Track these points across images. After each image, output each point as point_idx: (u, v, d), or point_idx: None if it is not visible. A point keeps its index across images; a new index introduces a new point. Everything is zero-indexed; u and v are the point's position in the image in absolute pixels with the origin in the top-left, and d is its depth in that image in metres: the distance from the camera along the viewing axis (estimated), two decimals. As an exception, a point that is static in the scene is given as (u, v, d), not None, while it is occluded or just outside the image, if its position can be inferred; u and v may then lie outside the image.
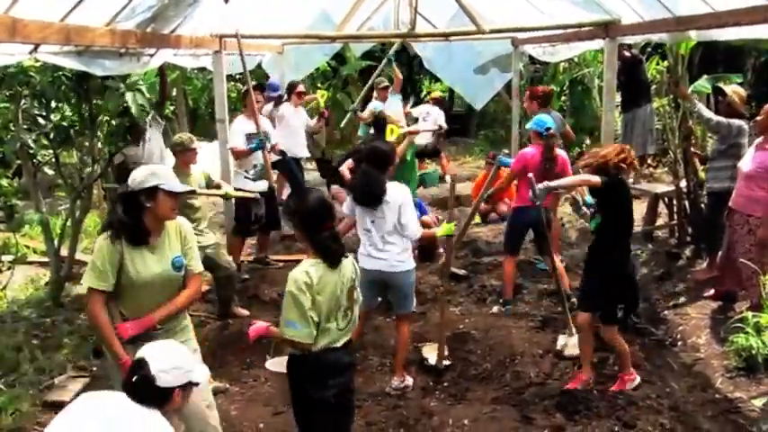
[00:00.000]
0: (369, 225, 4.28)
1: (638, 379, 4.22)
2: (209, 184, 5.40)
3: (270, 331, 3.07)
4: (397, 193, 4.22)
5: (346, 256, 3.06)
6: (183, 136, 5.29)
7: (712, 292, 5.34)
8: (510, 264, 5.69)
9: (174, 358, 2.41)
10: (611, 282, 4.05)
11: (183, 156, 5.16)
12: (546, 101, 6.55)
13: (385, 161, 4.29)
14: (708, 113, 5.52)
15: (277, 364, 3.67)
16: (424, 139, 9.03)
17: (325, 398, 3.04)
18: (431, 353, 4.73)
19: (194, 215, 5.02)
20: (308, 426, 3.16)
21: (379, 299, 4.64)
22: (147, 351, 2.40)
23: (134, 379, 2.34)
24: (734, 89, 5.58)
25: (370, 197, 4.21)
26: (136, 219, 2.99)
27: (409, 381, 4.47)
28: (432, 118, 9.25)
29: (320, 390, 3.05)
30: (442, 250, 6.39)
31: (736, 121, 5.33)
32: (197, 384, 2.48)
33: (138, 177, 2.98)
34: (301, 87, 8.16)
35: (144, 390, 2.32)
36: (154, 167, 3.13)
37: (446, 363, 4.65)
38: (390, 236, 4.24)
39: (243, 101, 6.77)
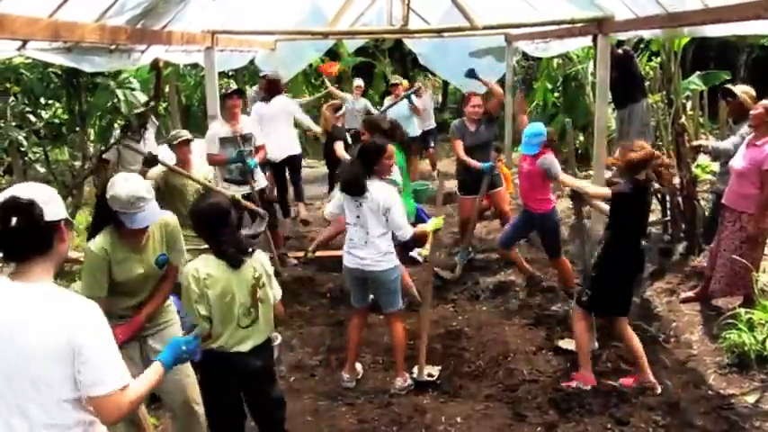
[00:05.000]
0: (354, 219, 4.24)
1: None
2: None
3: None
4: (381, 193, 4.12)
5: (246, 258, 3.08)
6: (175, 131, 5.17)
7: (691, 293, 5.34)
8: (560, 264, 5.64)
9: (47, 189, 2.02)
10: (622, 282, 4.11)
11: (177, 150, 5.01)
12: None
13: (371, 158, 4.22)
14: (724, 145, 5.44)
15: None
16: (413, 131, 9.21)
17: (220, 399, 3.16)
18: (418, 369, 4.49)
19: None
20: (211, 421, 3.26)
21: (371, 296, 4.58)
22: (15, 191, 1.95)
23: (13, 223, 1.86)
24: (743, 89, 5.54)
25: (351, 186, 4.20)
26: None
27: (410, 380, 4.40)
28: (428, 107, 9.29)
29: (217, 389, 3.15)
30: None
31: (744, 129, 5.29)
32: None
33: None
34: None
35: (26, 235, 1.89)
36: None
37: (428, 378, 4.41)
38: (373, 236, 4.16)
39: (223, 104, 6.21)
